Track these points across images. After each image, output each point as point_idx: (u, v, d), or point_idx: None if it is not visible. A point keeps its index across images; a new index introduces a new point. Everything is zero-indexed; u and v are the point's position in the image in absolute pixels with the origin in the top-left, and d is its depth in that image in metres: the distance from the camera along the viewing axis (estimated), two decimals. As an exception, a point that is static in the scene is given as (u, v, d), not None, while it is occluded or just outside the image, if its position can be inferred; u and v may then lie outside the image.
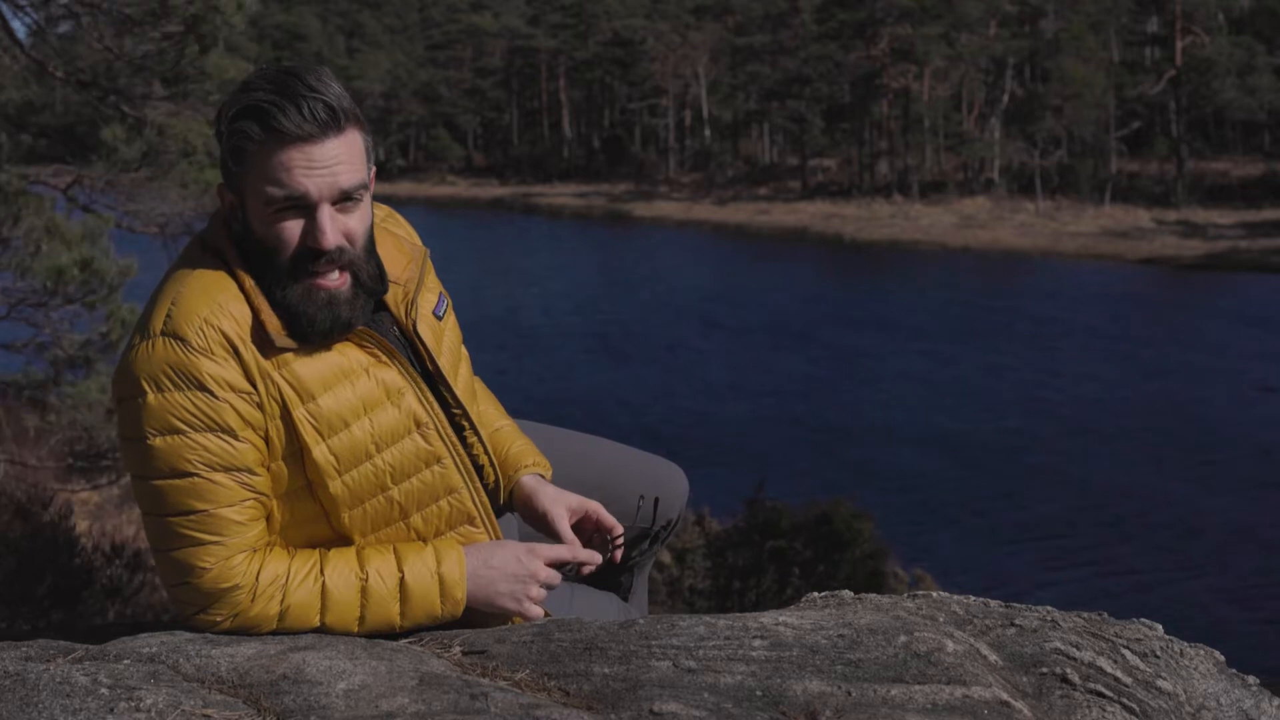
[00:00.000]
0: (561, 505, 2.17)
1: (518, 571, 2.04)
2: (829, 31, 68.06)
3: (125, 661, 1.81)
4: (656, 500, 2.33)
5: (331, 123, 1.90)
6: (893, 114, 67.16)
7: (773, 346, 32.85)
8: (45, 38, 9.96)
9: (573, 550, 2.11)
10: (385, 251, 2.09)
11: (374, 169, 2.04)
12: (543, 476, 2.23)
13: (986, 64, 66.26)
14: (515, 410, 2.40)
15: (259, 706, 1.68)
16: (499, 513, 2.17)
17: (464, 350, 2.23)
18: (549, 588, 2.08)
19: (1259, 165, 61.80)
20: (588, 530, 2.20)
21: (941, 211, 59.70)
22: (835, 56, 67.11)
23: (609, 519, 2.20)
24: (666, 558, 12.59)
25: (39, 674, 1.75)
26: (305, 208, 1.91)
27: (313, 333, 1.93)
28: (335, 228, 1.92)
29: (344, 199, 1.93)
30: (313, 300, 1.92)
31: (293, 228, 1.91)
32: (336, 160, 1.91)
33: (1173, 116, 62.66)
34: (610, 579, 2.43)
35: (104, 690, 1.69)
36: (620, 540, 2.21)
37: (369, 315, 2.03)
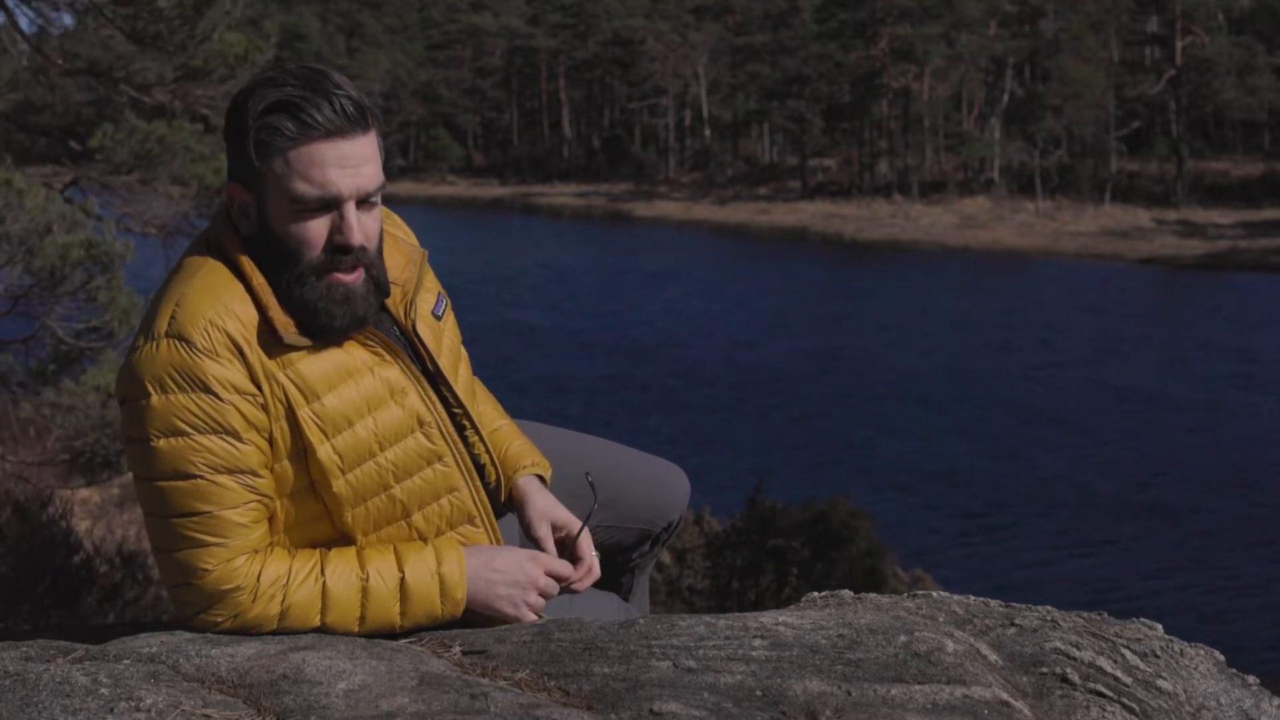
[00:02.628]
0: (546, 523, 2.16)
1: (519, 578, 2.05)
2: (829, 31, 68.01)
3: (125, 661, 1.81)
4: (588, 475, 2.24)
5: (360, 120, 1.91)
6: (893, 114, 67.14)
7: (772, 345, 32.84)
8: (50, 32, 9.94)
9: (570, 569, 2.11)
10: (385, 252, 2.10)
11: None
12: (541, 478, 2.23)
13: (986, 64, 66.22)
14: (514, 409, 2.40)
15: (259, 706, 1.68)
16: (499, 513, 2.18)
17: (464, 350, 2.23)
18: (546, 597, 2.08)
19: (1259, 165, 61.78)
20: (570, 550, 2.17)
21: (941, 211, 59.69)
22: (835, 56, 67.06)
23: (586, 548, 2.16)
24: (666, 558, 12.59)
25: (39, 674, 1.75)
26: (333, 205, 1.92)
27: (331, 329, 1.94)
28: (360, 225, 1.93)
29: (366, 199, 1.94)
30: (332, 296, 1.93)
31: (318, 225, 1.92)
32: (364, 159, 1.92)
33: (1173, 116, 62.63)
34: (611, 580, 2.43)
35: (104, 690, 1.69)
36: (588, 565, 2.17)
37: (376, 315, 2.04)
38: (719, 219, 63.14)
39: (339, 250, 1.92)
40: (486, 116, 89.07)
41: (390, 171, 2.01)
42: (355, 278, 1.94)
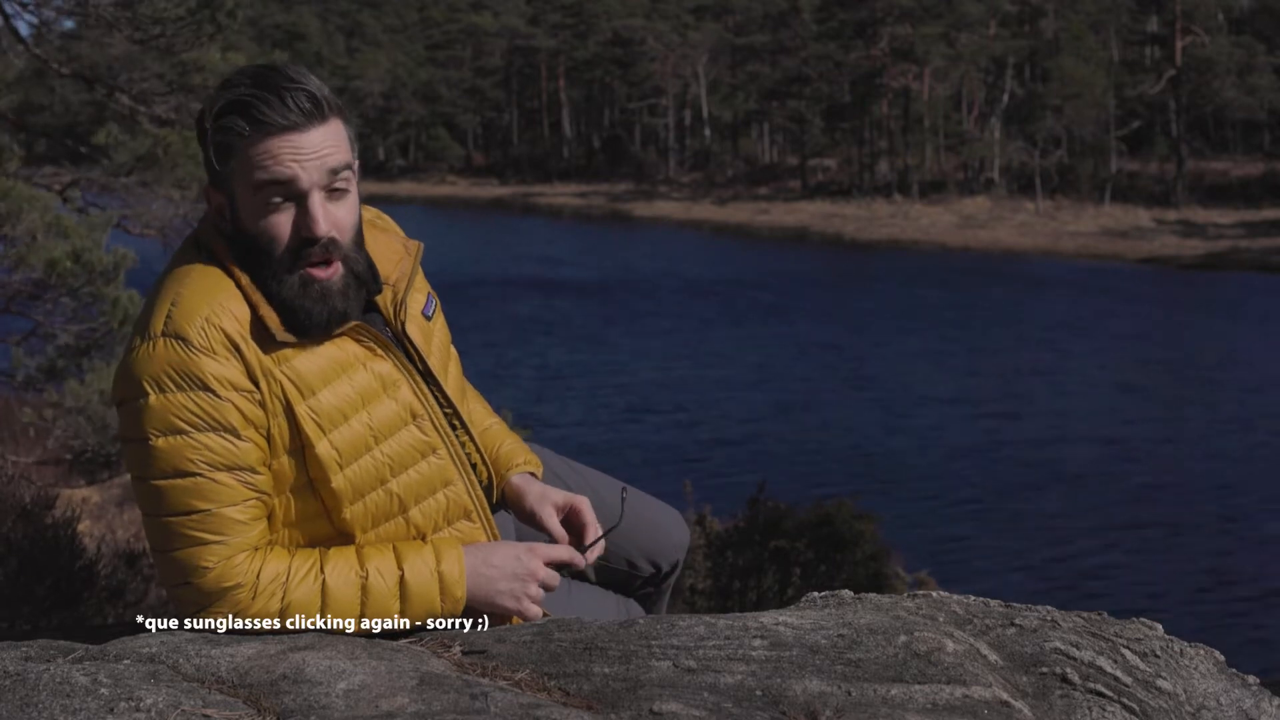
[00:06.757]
0: (549, 503, 2.18)
1: (517, 571, 2.05)
2: (829, 31, 68.02)
3: (125, 661, 1.81)
4: (624, 489, 2.30)
5: (316, 112, 1.92)
6: (893, 114, 67.15)
7: (773, 346, 32.84)
8: (48, 36, 9.97)
9: (570, 552, 2.12)
10: (378, 250, 2.11)
11: (358, 161, 2.05)
12: (533, 475, 2.24)
13: (986, 64, 66.24)
14: (509, 401, 2.40)
15: (259, 706, 1.68)
16: (493, 510, 2.18)
17: (453, 350, 2.24)
18: (547, 588, 2.08)
19: (1259, 165, 61.78)
20: (576, 525, 2.20)
21: (941, 211, 59.68)
22: (835, 56, 67.06)
23: (590, 516, 2.19)
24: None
25: (39, 674, 1.75)
26: (295, 197, 1.92)
27: (310, 326, 1.94)
28: (326, 216, 1.93)
29: (332, 180, 1.94)
30: (308, 293, 1.93)
31: (284, 219, 1.92)
32: (323, 149, 1.92)
33: (1173, 116, 62.63)
34: (614, 582, 2.43)
35: (104, 690, 1.69)
36: (598, 541, 2.19)
37: (361, 309, 2.04)
38: (719, 219, 63.12)
39: (306, 243, 1.92)
40: (486, 116, 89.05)
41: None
42: (330, 273, 1.95)
